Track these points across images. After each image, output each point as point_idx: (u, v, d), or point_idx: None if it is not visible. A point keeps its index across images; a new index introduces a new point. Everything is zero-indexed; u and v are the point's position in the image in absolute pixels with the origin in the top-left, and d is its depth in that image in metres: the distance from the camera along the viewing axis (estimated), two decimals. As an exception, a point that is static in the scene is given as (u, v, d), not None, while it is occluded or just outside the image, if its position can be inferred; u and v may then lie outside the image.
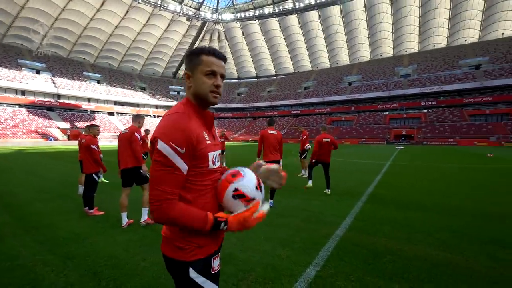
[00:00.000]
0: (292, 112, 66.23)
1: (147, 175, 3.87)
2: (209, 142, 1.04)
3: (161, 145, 0.92)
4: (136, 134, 3.71)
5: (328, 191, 5.83)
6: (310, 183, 6.14)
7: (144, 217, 3.79)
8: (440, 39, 61.01)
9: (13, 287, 2.23)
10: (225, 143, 11.36)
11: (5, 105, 43.87)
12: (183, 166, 0.94)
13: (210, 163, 1.04)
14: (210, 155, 1.04)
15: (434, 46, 62.02)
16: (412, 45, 63.98)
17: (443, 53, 58.63)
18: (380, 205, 4.88)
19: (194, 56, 1.03)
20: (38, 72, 51.41)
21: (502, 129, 40.10)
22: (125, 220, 3.75)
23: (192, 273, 0.99)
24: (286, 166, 10.99)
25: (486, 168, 10.77)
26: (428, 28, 59.70)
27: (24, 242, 3.17)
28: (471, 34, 57.71)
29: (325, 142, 5.84)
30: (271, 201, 4.84)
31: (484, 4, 52.29)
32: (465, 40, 58.57)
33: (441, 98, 50.57)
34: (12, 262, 2.64)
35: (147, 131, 8.63)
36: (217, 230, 0.97)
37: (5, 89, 44.46)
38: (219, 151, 1.13)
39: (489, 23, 54.83)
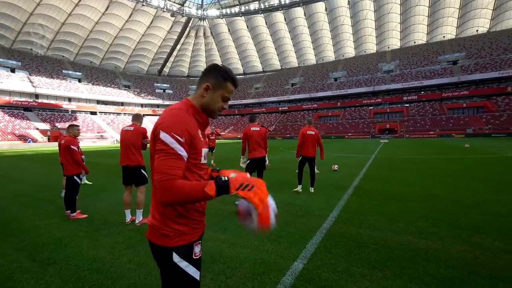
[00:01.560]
0: (280, 108, 66.61)
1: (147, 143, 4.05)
2: (202, 139, 1.17)
3: (163, 135, 1.02)
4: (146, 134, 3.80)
5: (311, 189, 5.67)
6: (299, 187, 5.72)
7: (139, 218, 3.79)
8: (420, 36, 63.10)
9: (-11, 296, 2.13)
10: (215, 140, 11.25)
11: (-23, 106, 41.39)
12: (183, 153, 1.03)
13: (202, 157, 1.16)
14: (203, 150, 1.17)
15: (415, 42, 64.07)
16: (394, 42, 65.80)
17: (423, 49, 60.70)
18: (365, 197, 5.02)
19: (222, 79, 1.16)
20: (13, 70, 48.86)
21: (478, 121, 42.18)
22: (128, 217, 3.85)
23: (176, 258, 1.08)
24: (276, 161, 11.07)
25: (463, 158, 11.30)
26: (409, 25, 61.54)
27: (1, 249, 3.02)
28: (448, 30, 60.06)
29: (309, 134, 5.59)
30: None
31: (460, 2, 54.42)
32: (443, 36, 60.89)
33: (422, 92, 52.47)
34: (-12, 271, 2.51)
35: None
36: (224, 189, 0.96)
37: (-24, 89, 41.90)
38: (207, 150, 1.25)
39: (465, 20, 57.21)
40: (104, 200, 5.22)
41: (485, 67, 47.34)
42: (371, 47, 68.39)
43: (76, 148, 4.20)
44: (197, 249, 1.15)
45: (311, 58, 74.53)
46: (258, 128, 4.74)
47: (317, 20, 64.31)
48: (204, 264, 2.53)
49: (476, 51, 52.37)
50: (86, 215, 4.18)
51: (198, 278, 1.14)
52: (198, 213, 1.17)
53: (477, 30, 57.38)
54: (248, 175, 1.05)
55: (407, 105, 53.05)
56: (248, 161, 4.73)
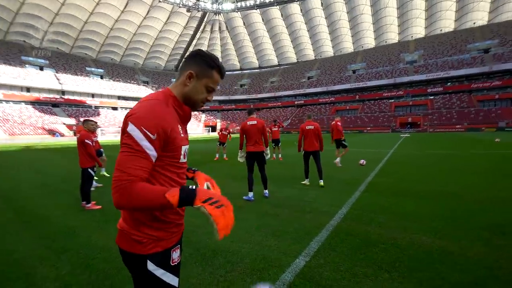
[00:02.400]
0: (296, 102, 65.63)
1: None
2: (182, 135, 1.03)
3: (131, 128, 0.89)
4: None
5: (321, 182, 5.59)
6: (307, 181, 5.76)
7: None
8: (447, 23, 59.00)
9: (7, 282, 2.28)
10: (279, 132, 10.79)
11: (11, 102, 44.53)
12: (152, 152, 0.90)
13: (182, 156, 1.04)
14: (183, 148, 1.03)
15: (441, 30, 60.09)
16: (418, 30, 62.09)
17: (450, 37, 56.81)
18: (378, 194, 4.81)
19: (207, 66, 1.04)
20: (41, 68, 51.82)
21: (511, 114, 39.08)
22: None
23: (150, 266, 0.96)
24: (289, 156, 10.95)
25: (491, 154, 10.53)
26: (435, 12, 57.70)
27: (22, 237, 3.23)
28: (479, 16, 55.60)
29: (308, 129, 5.63)
30: (266, 191, 4.82)
31: (495, -16, 50.06)
32: (474, 23, 56.51)
33: (448, 84, 49.37)
34: (9, 257, 2.69)
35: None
36: (188, 197, 0.85)
37: (10, 87, 45.00)
38: (188, 146, 1.10)
39: (499, 4, 52.64)
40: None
41: (521, 54, 43.50)
42: (392, 36, 65.06)
43: (90, 142, 4.37)
44: (175, 255, 1.04)
45: (328, 50, 72.33)
46: (255, 122, 4.62)
47: (335, 10, 62.02)
48: (205, 258, 2.55)
49: None
50: (100, 206, 4.36)
51: (176, 284, 1.03)
52: (177, 216, 1.05)
53: (513, 15, 52.64)
54: (218, 193, 0.95)
55: (432, 97, 50.20)
56: (246, 155, 4.69)
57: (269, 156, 4.88)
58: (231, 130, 11.31)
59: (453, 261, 2.44)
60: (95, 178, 7.17)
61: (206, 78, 1.05)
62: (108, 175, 7.31)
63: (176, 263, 1.04)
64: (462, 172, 6.87)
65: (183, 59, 1.10)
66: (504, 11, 53.11)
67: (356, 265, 2.38)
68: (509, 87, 43.51)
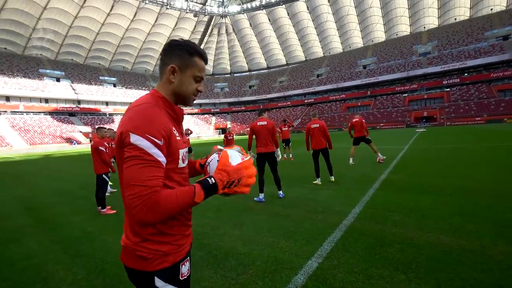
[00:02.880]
0: (306, 101, 65.04)
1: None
2: (178, 138, 0.96)
3: (135, 139, 0.81)
4: None
5: (332, 178, 5.79)
6: (318, 180, 5.70)
7: None
8: (462, 11, 56.65)
9: (25, 285, 2.37)
10: (289, 132, 10.69)
11: (31, 113, 46.78)
12: (162, 159, 0.85)
13: (180, 161, 0.96)
14: (181, 152, 0.96)
15: (455, 19, 57.76)
16: (431, 20, 59.97)
17: (466, 25, 54.51)
18: (393, 191, 4.67)
19: (187, 55, 0.96)
20: (58, 80, 54.10)
21: (536, 103, 36.98)
22: None
23: (158, 282, 0.90)
24: (299, 155, 10.84)
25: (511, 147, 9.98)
26: (448, 0, 55.51)
27: (40, 242, 3.36)
28: (497, 2, 52.95)
29: (314, 128, 5.71)
30: (281, 192, 4.77)
31: (512, -33, 47.61)
32: (491, 9, 53.93)
33: (465, 74, 47.34)
34: (28, 262, 2.80)
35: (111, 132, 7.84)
36: (213, 191, 0.90)
37: (30, 98, 47.29)
38: (187, 149, 1.04)
39: (518, -13, 49.95)
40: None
41: (544, 40, 41.08)
42: (404, 28, 63.19)
43: (103, 149, 4.50)
44: (184, 269, 0.97)
45: (337, 46, 71.24)
46: (265, 122, 4.60)
47: (342, 5, 61.04)
48: (216, 260, 2.55)
49: (533, 22, 45.59)
50: (115, 211, 4.48)
51: None
52: (184, 227, 0.98)
53: (533, -2, 49.85)
54: (231, 161, 0.95)
55: (448, 89, 48.28)
56: (256, 156, 4.66)
57: (280, 157, 4.84)
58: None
59: (473, 260, 2.31)
60: (110, 183, 7.41)
61: (190, 68, 0.97)
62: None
63: (185, 277, 0.98)
64: (481, 166, 6.54)
65: (161, 55, 1.00)
66: (523, -6, 50.39)
67: (371, 266, 2.31)
68: (532, 75, 41.20)
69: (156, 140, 0.83)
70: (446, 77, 48.91)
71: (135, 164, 0.80)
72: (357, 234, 3.00)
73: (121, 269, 2.51)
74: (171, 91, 0.98)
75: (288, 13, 65.72)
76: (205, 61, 1.01)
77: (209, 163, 1.06)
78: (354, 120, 8.34)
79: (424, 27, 60.97)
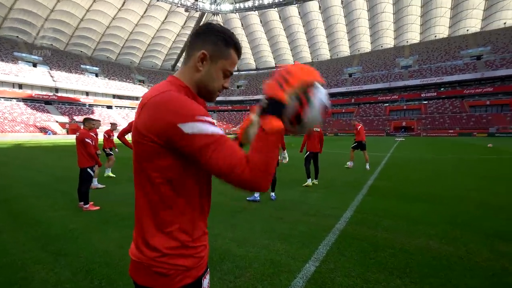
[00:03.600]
0: (292, 104, 65.70)
1: None
2: None
3: (190, 126, 0.68)
4: None
5: (316, 181, 6.00)
6: (309, 181, 5.87)
7: None
8: (441, 29, 60.13)
9: (1, 286, 2.16)
10: None
11: (2, 99, 43.53)
12: (221, 131, 0.73)
13: None
14: None
15: (435, 36, 61.19)
16: (414, 36, 63.08)
17: (444, 43, 57.91)
18: (381, 197, 4.81)
19: (222, 43, 0.82)
20: (35, 65, 50.81)
21: (502, 120, 39.96)
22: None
23: None
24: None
25: (485, 159, 10.69)
26: (429, 18, 58.75)
27: (16, 238, 3.09)
28: (473, 23, 56.81)
29: (315, 131, 5.92)
30: (273, 194, 4.77)
31: (488, -7, 51.26)
32: (467, 30, 57.72)
33: (442, 89, 50.23)
34: (2, 260, 2.57)
35: (114, 125, 7.69)
36: (278, 107, 0.73)
37: (2, 83, 44.00)
38: None
39: (492, 12, 53.89)
40: (115, 193, 5.30)
41: (512, 62, 44.61)
42: (388, 41, 65.93)
43: (90, 141, 4.25)
44: (205, 282, 0.86)
45: (325, 53, 72.90)
46: None
47: (332, 14, 62.60)
48: (212, 263, 2.48)
49: (503, 45, 49.28)
50: (99, 207, 4.24)
51: None
52: (205, 236, 0.87)
53: (504, 23, 53.89)
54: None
55: (425, 102, 50.99)
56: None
57: (287, 159, 4.92)
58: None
59: (462, 266, 2.42)
60: (109, 176, 6.90)
61: (222, 60, 0.83)
62: (114, 176, 7.08)
63: None
64: (460, 176, 6.93)
65: (191, 36, 0.85)
66: (496, 19, 54.41)
67: (367, 271, 2.34)
68: (500, 94, 44.51)
69: (206, 118, 0.72)
70: (424, 90, 51.63)
71: (212, 152, 0.69)
72: (350, 238, 3.05)
73: (110, 269, 2.38)
74: (195, 81, 0.84)
75: (280, 17, 66.32)
76: (239, 55, 0.88)
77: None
78: (360, 126, 8.71)
79: (407, 42, 64.00)
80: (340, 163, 8.97)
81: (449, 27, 59.27)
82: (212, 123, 0.72)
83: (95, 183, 5.75)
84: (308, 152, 5.95)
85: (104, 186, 5.90)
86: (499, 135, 36.63)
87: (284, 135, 0.78)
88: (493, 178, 6.69)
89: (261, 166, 0.70)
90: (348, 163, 8.55)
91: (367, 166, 8.24)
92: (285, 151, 4.84)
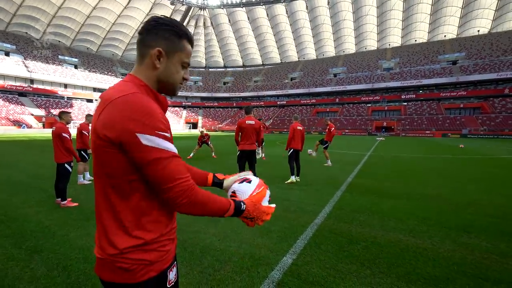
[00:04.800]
0: (278, 102, 66.34)
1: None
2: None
3: (147, 139, 0.72)
4: None
5: (298, 178, 6.12)
6: (293, 178, 6.03)
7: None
8: (421, 34, 62.79)
9: (-28, 284, 2.10)
10: (208, 134, 11.06)
11: (-31, 89, 40.53)
12: (175, 150, 0.80)
13: None
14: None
15: (416, 40, 63.80)
16: (396, 39, 65.42)
17: (423, 47, 60.52)
18: (358, 194, 5.03)
19: (175, 37, 0.83)
20: (7, 54, 47.70)
21: (474, 122, 42.52)
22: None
23: None
24: (271, 155, 11.05)
25: (457, 159, 11.40)
26: (411, 23, 61.12)
27: (-13, 235, 2.97)
28: (450, 30, 59.81)
29: (298, 129, 6.15)
30: None
31: (463, 1, 54.03)
32: (445, 35, 60.68)
33: (420, 91, 52.56)
34: (-27, 257, 2.47)
35: (88, 117, 6.15)
36: (238, 214, 0.91)
37: (-31, 72, 40.94)
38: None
39: (467, 20, 56.96)
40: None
41: (484, 68, 47.45)
42: (372, 43, 67.95)
43: (67, 136, 4.12)
44: (171, 275, 0.88)
45: (311, 52, 73.90)
46: (253, 122, 4.75)
47: (319, 14, 63.51)
48: (194, 257, 2.53)
49: (476, 51, 52.37)
50: (77, 204, 4.14)
51: None
52: (172, 230, 0.89)
53: (478, 31, 57.24)
54: (264, 201, 1.01)
55: (405, 103, 53.18)
56: (238, 153, 4.75)
57: (260, 155, 4.99)
58: (208, 135, 10.99)
59: (426, 257, 2.63)
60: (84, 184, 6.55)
61: (178, 53, 0.84)
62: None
63: (173, 283, 0.90)
64: (433, 175, 7.37)
65: (141, 34, 0.84)
66: (471, 26, 57.61)
67: (340, 262, 2.49)
68: (473, 97, 47.32)
69: (165, 134, 0.76)
70: (404, 92, 53.81)
71: (162, 167, 0.74)
72: (327, 232, 3.20)
73: (87, 264, 2.37)
74: (154, 78, 0.84)
75: (267, 14, 66.34)
76: (192, 45, 0.89)
77: (236, 189, 1.07)
78: (332, 126, 9.02)
79: (389, 45, 66.27)
80: (321, 161, 9.22)
81: (428, 32, 62.00)
82: (169, 140, 0.77)
83: (80, 179, 5.61)
84: (292, 150, 6.12)
85: (90, 181, 5.76)
86: (471, 136, 38.97)
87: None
88: (464, 177, 7.17)
89: (201, 202, 0.80)
90: (327, 161, 8.81)
91: (329, 162, 8.71)
92: (260, 148, 4.97)
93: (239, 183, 1.08)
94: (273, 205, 1.04)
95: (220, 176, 1.17)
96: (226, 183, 1.15)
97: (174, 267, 0.91)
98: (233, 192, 1.07)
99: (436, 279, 2.24)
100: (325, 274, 2.28)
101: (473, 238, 3.08)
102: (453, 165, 9.62)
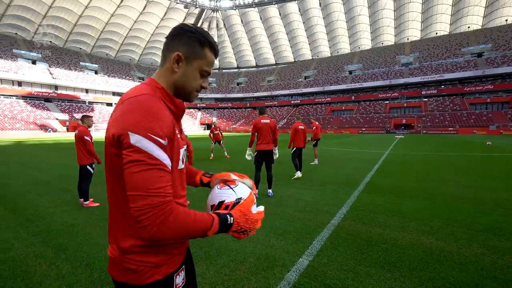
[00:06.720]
0: (292, 102, 65.78)
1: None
2: (179, 136, 0.86)
3: (136, 139, 0.68)
4: None
5: (300, 173, 6.35)
6: (298, 173, 6.28)
7: None
8: (443, 26, 59.84)
9: (3, 280, 2.23)
10: (220, 134, 11.12)
11: (2, 96, 43.54)
12: (168, 162, 0.73)
13: (180, 162, 0.86)
14: (181, 152, 0.87)
15: (436, 33, 60.91)
16: (414, 33, 62.80)
17: (445, 40, 57.66)
18: (377, 194, 4.87)
19: (197, 44, 0.84)
20: (34, 62, 50.76)
21: (502, 118, 39.94)
22: None
23: None
24: (283, 155, 10.96)
25: (484, 157, 10.75)
26: (431, 15, 58.44)
27: (17, 234, 3.17)
28: (474, 20, 56.54)
29: (300, 129, 6.54)
30: (270, 191, 4.84)
31: (489, -11, 50.92)
32: (468, 27, 57.44)
33: (442, 86, 50.12)
34: (4, 254, 2.64)
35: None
36: (225, 230, 0.81)
37: (1, 80, 44.00)
38: (185, 148, 0.96)
39: (493, 9, 53.62)
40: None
41: (513, 59, 44.45)
42: (389, 38, 65.66)
43: (89, 139, 4.30)
44: (178, 280, 0.87)
45: (325, 50, 72.63)
46: (268, 121, 4.74)
47: (332, 11, 62.29)
48: (209, 257, 2.55)
49: (504, 42, 49.05)
50: (99, 204, 4.31)
51: None
52: None
53: (506, 20, 53.64)
54: (253, 208, 0.90)
55: (426, 99, 50.91)
56: (256, 153, 4.74)
57: (277, 155, 4.97)
58: (220, 127, 11.14)
59: (452, 260, 2.49)
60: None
61: (198, 60, 0.85)
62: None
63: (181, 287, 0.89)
64: (457, 174, 6.99)
65: (167, 39, 0.86)
66: (498, 16, 54.13)
67: (359, 265, 2.41)
68: (501, 91, 44.42)
69: (160, 140, 0.71)
70: (425, 87, 51.52)
71: (138, 171, 0.68)
72: (345, 233, 3.12)
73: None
74: (172, 82, 0.85)
75: (280, 13, 66.00)
76: (216, 54, 0.89)
77: (220, 192, 0.96)
78: (315, 125, 9.17)
79: (408, 39, 63.72)
80: (338, 159, 9.03)
81: (450, 24, 58.97)
82: (163, 147, 0.72)
83: None
84: (295, 148, 6.50)
85: None
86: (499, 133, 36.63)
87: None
88: (491, 175, 6.75)
89: (179, 225, 0.71)
90: (315, 160, 8.86)
91: (316, 161, 8.78)
92: (277, 148, 4.93)
93: (220, 188, 0.96)
94: (262, 208, 0.93)
95: (206, 178, 1.09)
96: (214, 184, 1.05)
97: (182, 271, 0.90)
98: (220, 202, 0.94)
99: (463, 285, 2.11)
100: (343, 277, 2.22)
101: (504, 242, 2.88)
102: (479, 163, 9.08)
